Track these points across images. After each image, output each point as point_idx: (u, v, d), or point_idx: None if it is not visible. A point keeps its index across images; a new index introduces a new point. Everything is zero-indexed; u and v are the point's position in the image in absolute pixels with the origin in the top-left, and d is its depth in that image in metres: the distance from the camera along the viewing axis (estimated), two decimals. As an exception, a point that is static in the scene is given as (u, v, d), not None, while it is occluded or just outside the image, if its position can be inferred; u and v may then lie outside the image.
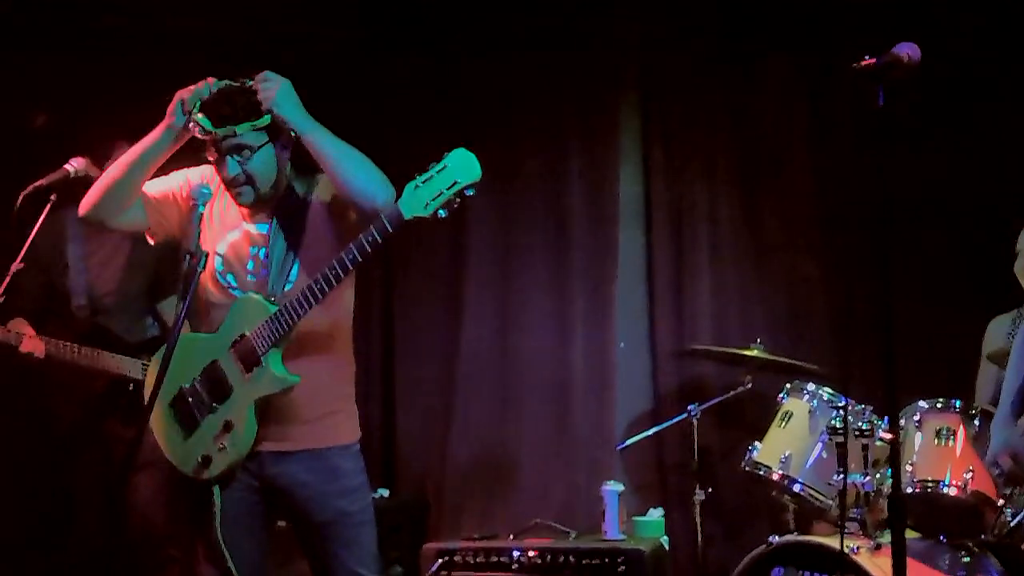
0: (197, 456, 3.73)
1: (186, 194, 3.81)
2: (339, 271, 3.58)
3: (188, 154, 3.83)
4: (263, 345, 3.66)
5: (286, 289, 3.75)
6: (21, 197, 4.38)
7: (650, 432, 5.44)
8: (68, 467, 5.09)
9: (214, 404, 3.73)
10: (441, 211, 3.51)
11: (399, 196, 3.56)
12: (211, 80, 3.69)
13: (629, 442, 5.48)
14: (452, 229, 6.08)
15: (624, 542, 5.03)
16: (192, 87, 3.69)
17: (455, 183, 3.48)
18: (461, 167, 3.50)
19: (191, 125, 3.66)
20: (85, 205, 3.85)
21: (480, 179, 3.50)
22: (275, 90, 3.65)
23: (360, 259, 3.57)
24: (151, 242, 3.99)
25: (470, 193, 3.51)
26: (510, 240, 6.12)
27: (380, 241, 3.55)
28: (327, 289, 3.60)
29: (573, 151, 6.06)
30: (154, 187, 3.86)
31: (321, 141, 3.67)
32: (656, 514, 5.41)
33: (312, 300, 3.61)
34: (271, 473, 3.79)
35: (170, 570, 5.04)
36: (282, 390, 3.69)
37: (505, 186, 6.02)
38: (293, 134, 3.73)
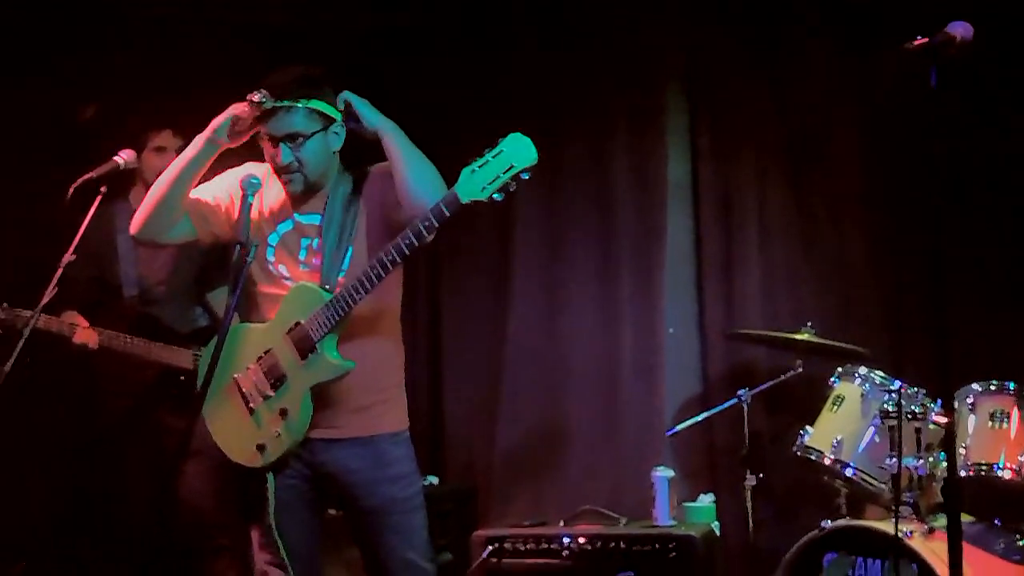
0: (252, 444, 3.77)
1: (230, 199, 3.88)
2: (395, 256, 3.62)
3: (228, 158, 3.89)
4: (319, 332, 3.70)
5: (339, 278, 3.79)
6: (72, 190, 4.41)
7: (700, 418, 5.40)
8: (118, 456, 5.13)
9: (269, 392, 3.77)
10: (497, 195, 3.55)
11: (454, 181, 3.59)
12: (257, 97, 3.72)
13: (679, 428, 5.44)
14: (498, 216, 6.07)
15: (675, 528, 5.01)
16: (244, 106, 3.74)
17: (511, 167, 3.52)
18: (517, 151, 3.54)
19: (251, 101, 3.70)
20: (136, 225, 3.93)
21: (536, 162, 3.52)
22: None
23: (416, 244, 3.61)
24: (199, 248, 4.05)
25: (526, 177, 3.54)
26: (557, 226, 6.11)
27: (436, 226, 3.60)
28: (383, 274, 3.64)
29: (620, 137, 6.04)
30: (198, 195, 3.90)
31: (395, 137, 3.76)
32: (707, 500, 5.39)
33: (368, 285, 3.65)
34: (321, 460, 3.83)
35: (220, 558, 5.08)
36: (336, 377, 3.72)
37: (551, 172, 5.98)
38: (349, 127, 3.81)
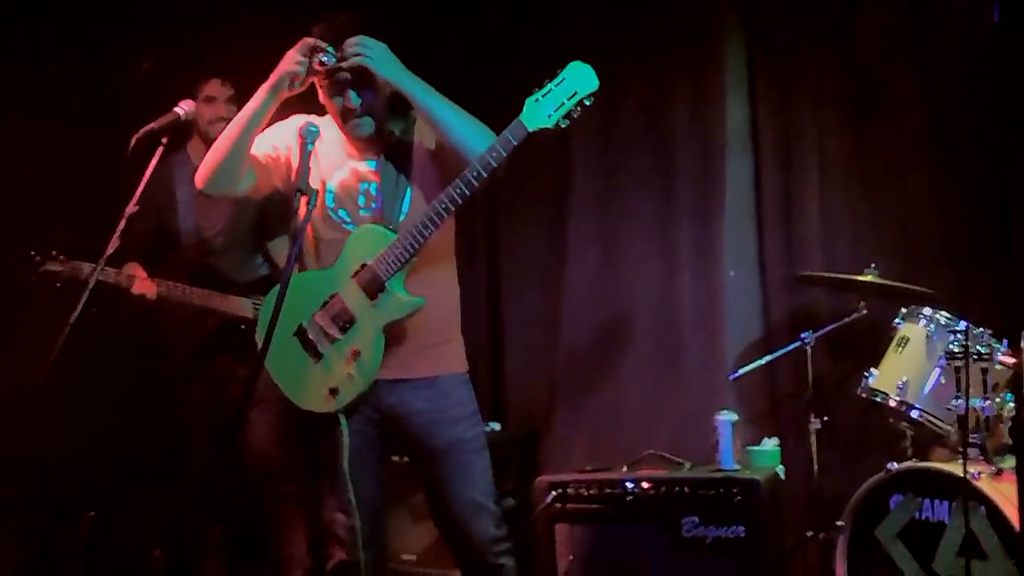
0: (324, 388, 3.80)
1: (288, 148, 3.92)
2: (464, 188, 3.67)
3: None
4: (388, 271, 3.75)
5: (401, 219, 3.84)
6: (133, 141, 4.43)
7: (763, 361, 5.37)
8: (182, 405, 5.19)
9: (337, 335, 3.80)
10: (563, 121, 3.67)
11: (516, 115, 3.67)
12: (324, 57, 3.76)
13: (741, 372, 5.41)
14: (556, 161, 6.07)
15: (739, 472, 4.98)
16: (296, 56, 3.76)
17: (575, 93, 3.66)
18: (579, 78, 3.67)
19: (316, 62, 3.73)
20: (202, 178, 3.95)
21: (598, 88, 3.64)
22: (373, 55, 3.74)
23: (485, 175, 3.66)
24: (255, 198, 4.06)
25: (588, 103, 3.66)
26: (615, 171, 6.07)
27: (504, 155, 3.66)
28: (452, 208, 3.70)
29: (678, 82, 5.98)
30: (256, 146, 3.92)
31: (424, 97, 3.79)
32: (771, 443, 5.36)
33: (438, 220, 3.71)
34: (388, 402, 3.87)
35: (285, 505, 5.13)
36: (407, 314, 3.78)
37: (609, 118, 5.97)
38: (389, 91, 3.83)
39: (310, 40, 3.77)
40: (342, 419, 3.82)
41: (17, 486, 5.32)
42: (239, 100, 4.88)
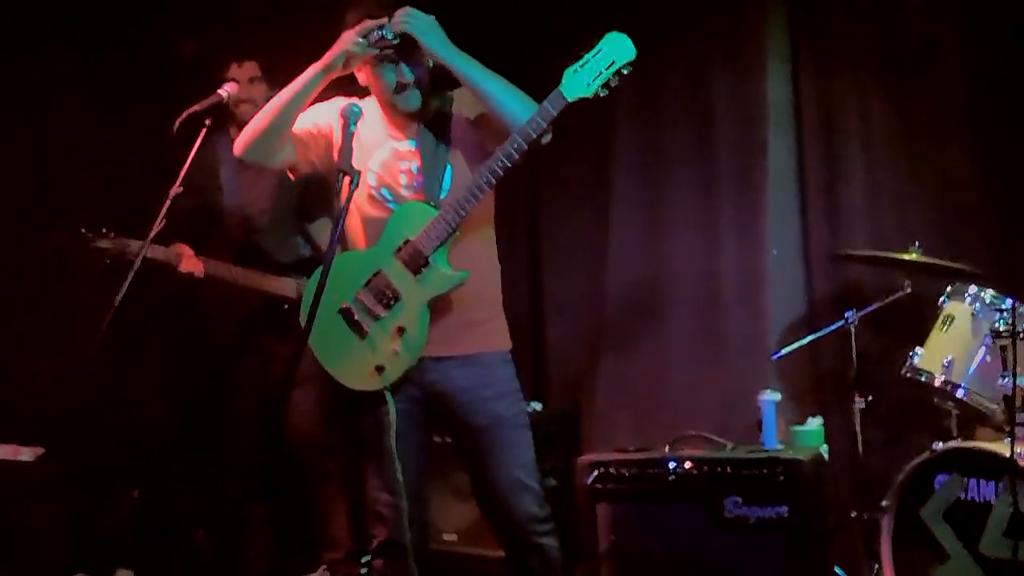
0: (370, 366, 3.82)
1: (330, 128, 3.95)
2: (504, 161, 3.71)
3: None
4: (430, 245, 3.78)
5: (442, 196, 3.87)
6: (177, 123, 4.46)
7: (806, 340, 5.32)
8: (227, 383, 5.22)
9: (382, 313, 3.82)
10: (601, 91, 3.72)
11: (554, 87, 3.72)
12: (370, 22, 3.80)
13: (784, 351, 5.37)
14: (596, 138, 6.04)
15: (783, 452, 4.94)
16: (355, 36, 3.79)
17: (612, 63, 3.72)
18: (616, 48, 3.74)
19: (373, 39, 3.77)
20: (241, 145, 3.99)
21: (635, 57, 3.71)
22: (419, 26, 3.78)
23: (525, 146, 3.70)
24: (291, 177, 4.08)
25: (626, 72, 3.73)
26: (655, 147, 6.02)
27: (544, 126, 3.70)
28: (493, 181, 3.74)
29: (718, 56, 5.92)
30: (298, 125, 3.96)
31: (468, 69, 3.82)
32: (815, 423, 5.31)
33: (479, 193, 3.75)
34: (432, 379, 3.89)
35: (329, 484, 5.18)
36: (452, 287, 3.82)
37: (650, 93, 5.92)
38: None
39: (369, 21, 3.80)
40: (388, 397, 3.83)
41: (65, 462, 5.37)
42: (268, 80, 4.91)
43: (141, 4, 5.87)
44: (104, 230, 4.90)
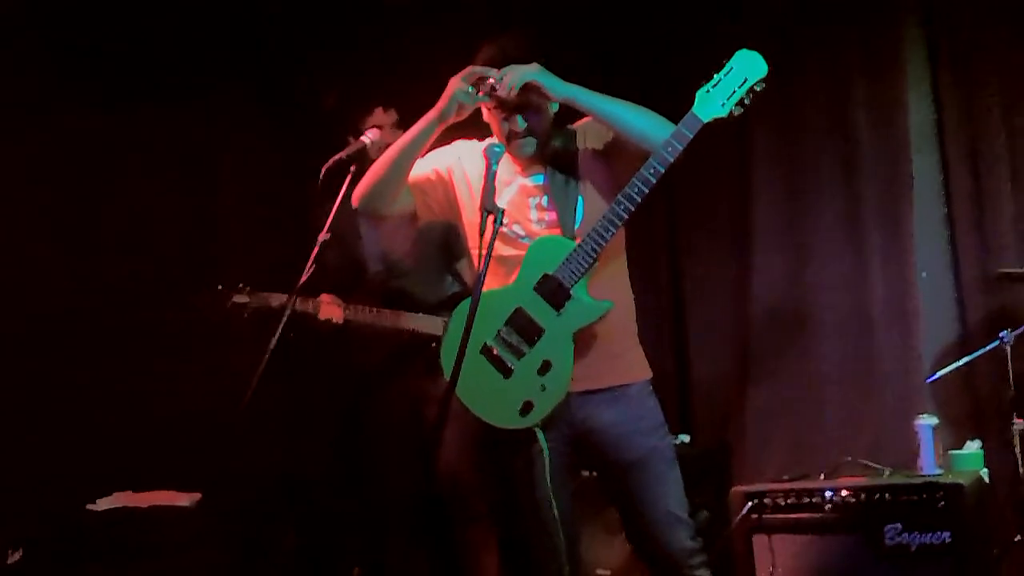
0: (517, 404, 3.80)
1: (448, 173, 4.01)
2: (642, 187, 3.69)
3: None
4: (572, 278, 3.77)
5: (576, 227, 3.86)
6: (323, 171, 4.54)
7: (961, 362, 5.21)
8: (379, 422, 5.28)
9: (525, 349, 3.81)
10: (736, 109, 3.71)
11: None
12: (476, 69, 3.83)
13: (939, 374, 5.27)
14: (736, 168, 6.04)
15: (942, 477, 4.85)
16: (460, 84, 3.83)
17: (745, 80, 3.72)
18: (748, 65, 3.74)
19: (482, 89, 3.80)
20: (358, 196, 4.05)
21: (768, 73, 3.70)
22: (530, 75, 3.78)
23: (662, 170, 3.68)
24: (439, 221, 4.14)
25: (759, 89, 3.70)
26: (798, 176, 6.01)
27: (680, 149, 3.68)
28: (632, 207, 3.71)
29: (857, 77, 5.88)
30: (417, 171, 4.01)
31: (593, 102, 3.82)
32: (973, 446, 5.19)
33: (617, 222, 3.73)
34: (580, 416, 3.87)
35: (479, 526, 5.17)
36: (596, 318, 3.80)
37: (788, 120, 5.91)
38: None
39: (475, 68, 3.83)
40: (539, 434, 3.81)
41: (222, 507, 5.49)
42: (405, 127, 4.98)
43: (282, 57, 6.03)
44: (241, 285, 5.01)
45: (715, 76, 3.73)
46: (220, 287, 5.01)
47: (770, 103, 3.77)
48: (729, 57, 3.74)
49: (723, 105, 3.71)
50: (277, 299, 4.92)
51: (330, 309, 5.02)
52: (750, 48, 3.80)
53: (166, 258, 5.92)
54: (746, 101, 3.72)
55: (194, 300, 5.11)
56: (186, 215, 6.10)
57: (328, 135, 5.19)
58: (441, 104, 3.86)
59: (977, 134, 5.64)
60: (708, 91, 3.72)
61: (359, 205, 4.05)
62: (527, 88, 3.78)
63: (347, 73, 5.97)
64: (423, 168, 4.02)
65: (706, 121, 3.70)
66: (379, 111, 5.09)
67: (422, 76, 4.12)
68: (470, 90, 3.82)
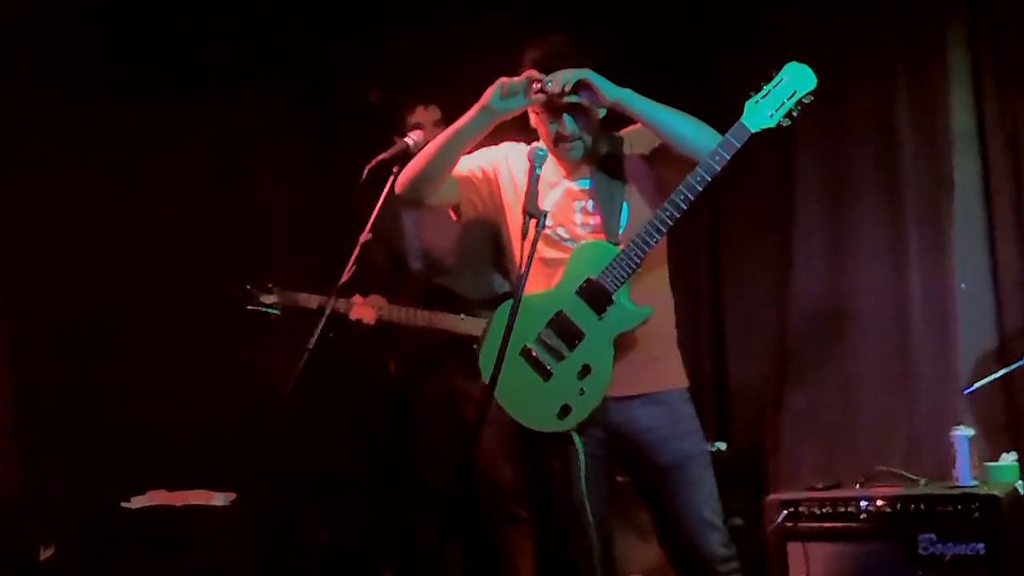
0: (555, 407, 3.81)
1: (495, 172, 4.02)
2: (687, 194, 3.71)
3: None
4: (614, 283, 3.78)
5: (620, 232, 3.87)
6: (366, 171, 4.57)
7: (999, 373, 5.19)
8: (417, 421, 5.29)
9: (565, 352, 3.83)
10: (784, 120, 3.75)
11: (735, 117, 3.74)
12: (531, 72, 3.82)
13: (976, 385, 5.24)
14: (777, 171, 5.99)
15: (978, 488, 4.82)
16: (509, 80, 3.83)
17: (794, 92, 3.76)
18: (797, 77, 3.77)
19: (532, 91, 3.80)
20: (401, 183, 4.04)
21: (817, 87, 3.73)
22: (581, 76, 3.78)
23: (708, 179, 3.70)
24: (453, 218, 4.14)
25: (808, 101, 3.74)
26: (840, 176, 5.94)
27: (728, 158, 3.71)
28: (677, 215, 3.73)
29: (900, 81, 5.82)
30: (463, 166, 4.01)
31: (644, 107, 3.83)
32: (1009, 458, 5.16)
33: (663, 228, 3.75)
34: (616, 420, 3.88)
35: (516, 529, 5.17)
36: (637, 324, 3.81)
37: (831, 124, 5.86)
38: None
39: (529, 71, 3.83)
40: (576, 438, 3.82)
41: (256, 505, 5.52)
42: (446, 124, 5.00)
43: (327, 57, 6.06)
44: (270, 285, 5.02)
45: (764, 87, 3.76)
46: (248, 287, 5.03)
47: (814, 104, 3.75)
48: (775, 65, 3.77)
49: (771, 116, 3.74)
50: (306, 299, 4.94)
51: (361, 310, 5.03)
52: (794, 53, 3.81)
53: (205, 257, 5.96)
54: (794, 113, 3.75)
55: (222, 298, 5.14)
56: (225, 215, 6.15)
57: (369, 133, 5.22)
58: (485, 98, 3.85)
59: (1019, 138, 5.59)
60: (757, 101, 3.75)
61: (402, 191, 4.05)
62: (577, 89, 3.79)
63: (388, 72, 5.98)
64: (469, 164, 4.02)
65: (754, 131, 3.73)
66: (420, 108, 5.11)
67: (466, 74, 4.12)
68: (518, 82, 3.81)
